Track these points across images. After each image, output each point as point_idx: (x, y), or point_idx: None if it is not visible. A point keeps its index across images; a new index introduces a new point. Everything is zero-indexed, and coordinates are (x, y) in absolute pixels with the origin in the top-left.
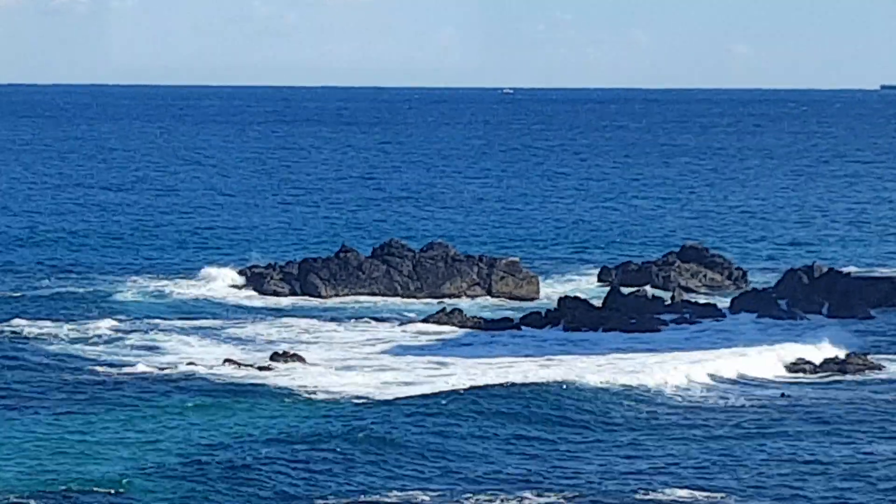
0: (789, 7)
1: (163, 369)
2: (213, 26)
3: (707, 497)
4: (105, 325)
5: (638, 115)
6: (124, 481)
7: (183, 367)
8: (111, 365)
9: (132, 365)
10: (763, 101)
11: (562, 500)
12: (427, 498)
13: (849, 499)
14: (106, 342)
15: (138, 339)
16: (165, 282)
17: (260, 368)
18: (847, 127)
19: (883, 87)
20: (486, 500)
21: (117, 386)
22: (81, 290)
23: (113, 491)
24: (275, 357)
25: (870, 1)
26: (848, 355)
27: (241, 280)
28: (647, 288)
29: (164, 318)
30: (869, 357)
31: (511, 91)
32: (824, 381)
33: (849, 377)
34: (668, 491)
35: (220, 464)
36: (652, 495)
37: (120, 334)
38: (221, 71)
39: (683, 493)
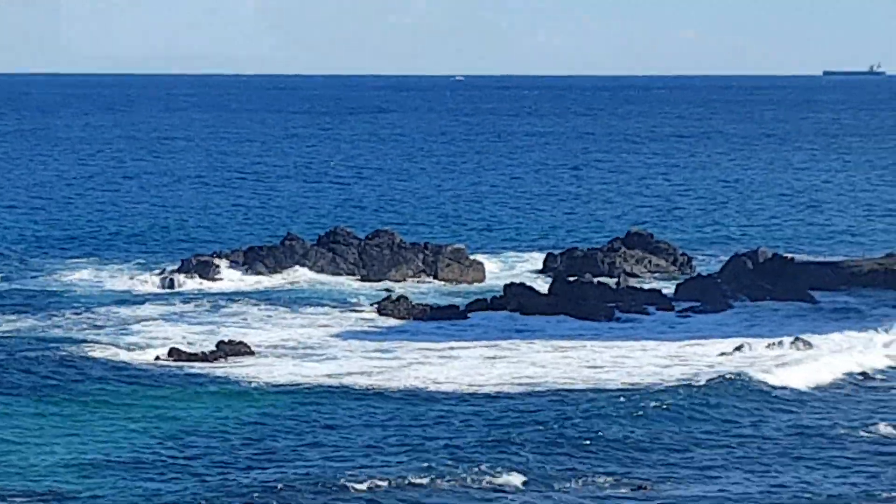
0: None
1: (105, 360)
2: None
3: None
4: (46, 316)
5: (587, 101)
6: (64, 476)
7: (127, 357)
8: (52, 357)
9: (74, 356)
10: (711, 87)
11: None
12: (384, 483)
13: None
14: (48, 333)
15: (80, 330)
16: (109, 272)
17: (205, 357)
18: (793, 113)
19: (826, 72)
20: (445, 481)
21: (57, 378)
22: (14, 283)
23: (52, 486)
24: (220, 345)
25: None
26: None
27: (186, 268)
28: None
29: (109, 308)
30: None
31: (462, 78)
32: None
33: None
34: None
35: (162, 456)
36: None
37: (62, 326)
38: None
39: None
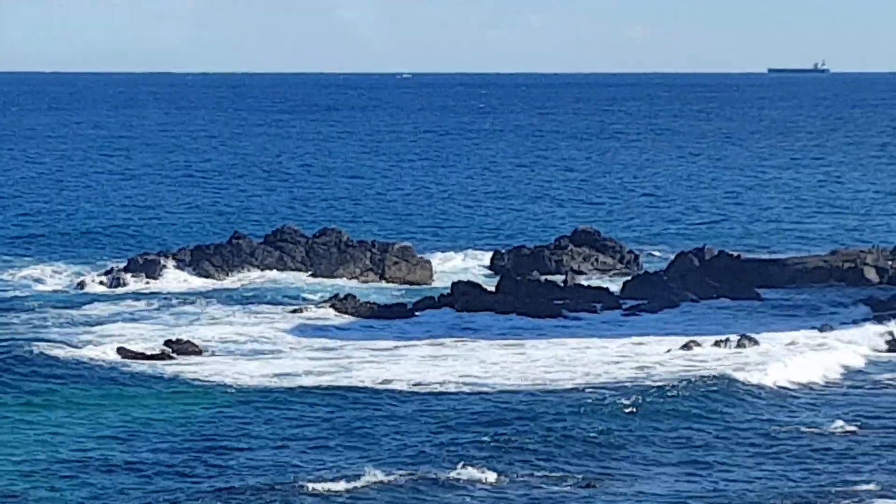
0: None
1: (51, 359)
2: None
3: None
4: None
5: (537, 99)
6: (7, 478)
7: (73, 356)
8: None
9: (19, 356)
10: (658, 85)
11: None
12: (338, 484)
13: None
14: None
15: (26, 329)
16: (55, 270)
17: (153, 356)
18: (740, 110)
19: (770, 70)
20: (396, 482)
21: (1, 378)
22: None
23: (5, 493)
24: (168, 344)
25: None
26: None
27: (132, 267)
28: (539, 272)
29: (54, 307)
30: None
31: (409, 76)
32: None
33: None
34: None
35: (109, 457)
36: None
37: (6, 325)
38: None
39: None
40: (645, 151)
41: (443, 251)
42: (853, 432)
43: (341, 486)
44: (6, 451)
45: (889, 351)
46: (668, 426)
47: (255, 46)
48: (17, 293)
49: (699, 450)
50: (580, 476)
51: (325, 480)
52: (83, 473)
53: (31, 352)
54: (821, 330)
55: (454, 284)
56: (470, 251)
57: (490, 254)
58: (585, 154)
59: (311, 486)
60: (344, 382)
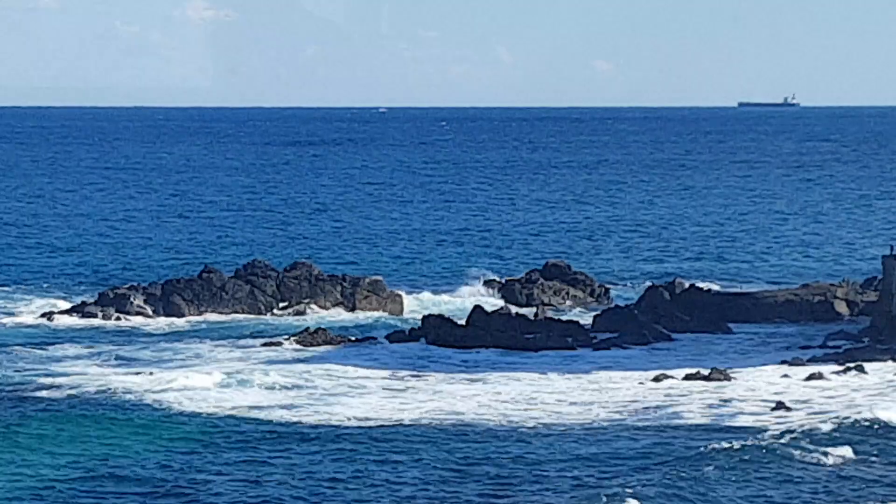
0: (649, 24)
1: (19, 393)
2: (78, 46)
3: None
4: None
5: (507, 132)
6: None
7: (43, 391)
8: None
9: None
10: (626, 119)
11: None
12: None
13: None
14: None
15: None
16: (25, 304)
17: (124, 390)
18: (709, 144)
19: (741, 104)
20: None
21: None
22: None
23: None
24: (139, 377)
25: (725, 21)
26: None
27: (103, 301)
28: (510, 306)
29: (23, 342)
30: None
31: (385, 110)
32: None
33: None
34: None
35: (78, 493)
36: None
37: None
38: (87, 92)
39: None
40: (616, 184)
41: (414, 285)
42: None
43: None
44: None
45: None
46: (641, 464)
47: (232, 82)
48: None
49: (677, 482)
50: None
51: None
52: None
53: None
54: (790, 364)
55: (425, 318)
56: (442, 285)
57: (463, 288)
58: (551, 187)
59: None
60: (313, 418)
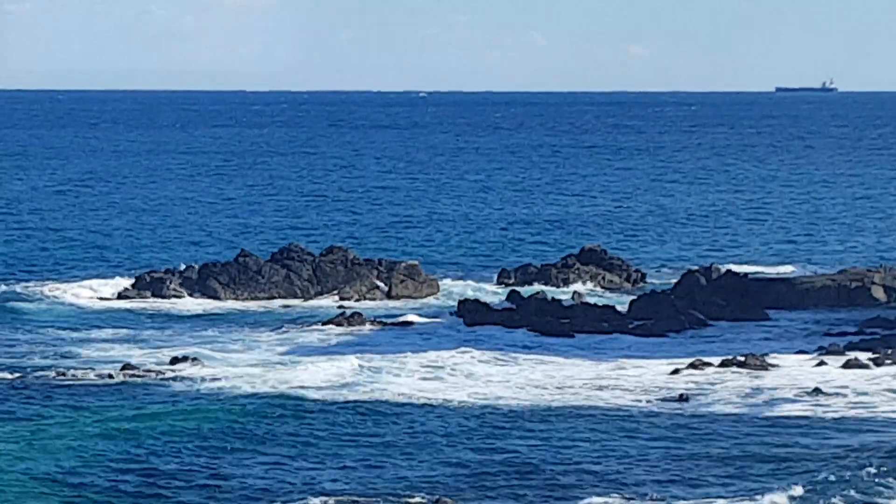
0: (685, 9)
1: (59, 376)
2: (112, 30)
3: None
4: None
5: (541, 117)
6: (16, 494)
7: (80, 374)
8: (3, 371)
9: (26, 372)
10: (663, 104)
11: None
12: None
13: None
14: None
15: (34, 346)
16: (62, 286)
17: (160, 373)
18: (745, 128)
19: (778, 89)
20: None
21: (10, 392)
22: None
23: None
24: (174, 361)
25: (763, 4)
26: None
27: (140, 284)
28: (547, 290)
29: (61, 325)
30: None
31: (426, 95)
32: None
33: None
34: None
35: (114, 473)
36: None
37: (15, 342)
38: (122, 75)
39: None
40: (653, 168)
41: (450, 269)
42: None
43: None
44: (6, 467)
45: None
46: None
47: (259, 65)
48: (20, 309)
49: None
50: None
51: (326, 497)
52: (87, 489)
53: (35, 367)
54: (827, 350)
55: (461, 302)
56: (477, 269)
57: (497, 272)
58: (594, 172)
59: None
60: (351, 398)
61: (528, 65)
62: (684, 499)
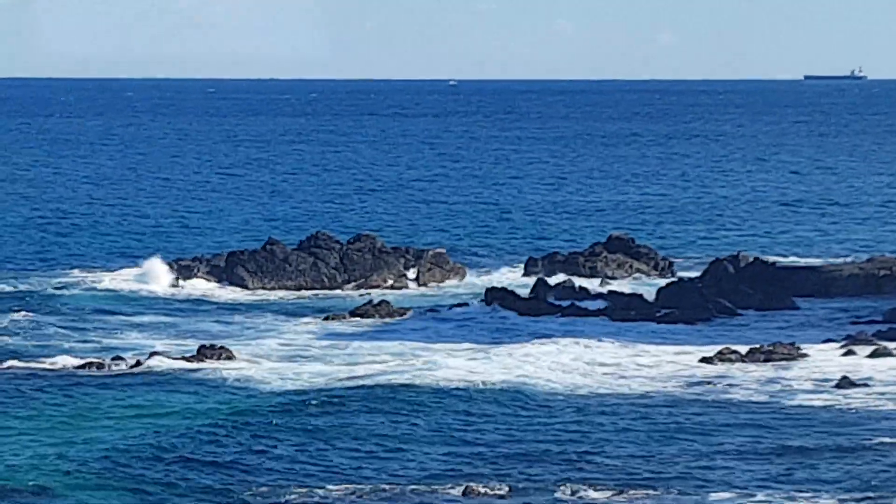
0: None
1: (86, 364)
2: (135, 18)
3: None
4: (28, 318)
5: (570, 105)
6: (47, 480)
7: (108, 361)
8: (33, 358)
9: (55, 358)
10: (690, 92)
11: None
12: (358, 489)
13: None
14: (29, 335)
15: (63, 331)
16: (90, 274)
17: (187, 361)
18: (774, 116)
19: (807, 77)
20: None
21: (39, 380)
22: (8, 286)
23: (36, 490)
24: (202, 350)
25: None
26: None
27: (167, 272)
28: (574, 278)
29: (90, 311)
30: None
31: (455, 83)
32: None
33: None
34: None
35: (143, 459)
36: None
37: (44, 327)
38: (149, 63)
39: None
40: (678, 157)
41: (477, 257)
42: None
43: (360, 493)
44: (37, 451)
45: None
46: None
47: (283, 53)
48: (50, 295)
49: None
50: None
51: (347, 485)
52: (113, 473)
53: (63, 354)
54: (856, 339)
55: (489, 290)
56: (505, 257)
57: (524, 260)
58: (622, 159)
59: (333, 489)
60: (382, 384)
61: (556, 53)
62: (713, 491)
